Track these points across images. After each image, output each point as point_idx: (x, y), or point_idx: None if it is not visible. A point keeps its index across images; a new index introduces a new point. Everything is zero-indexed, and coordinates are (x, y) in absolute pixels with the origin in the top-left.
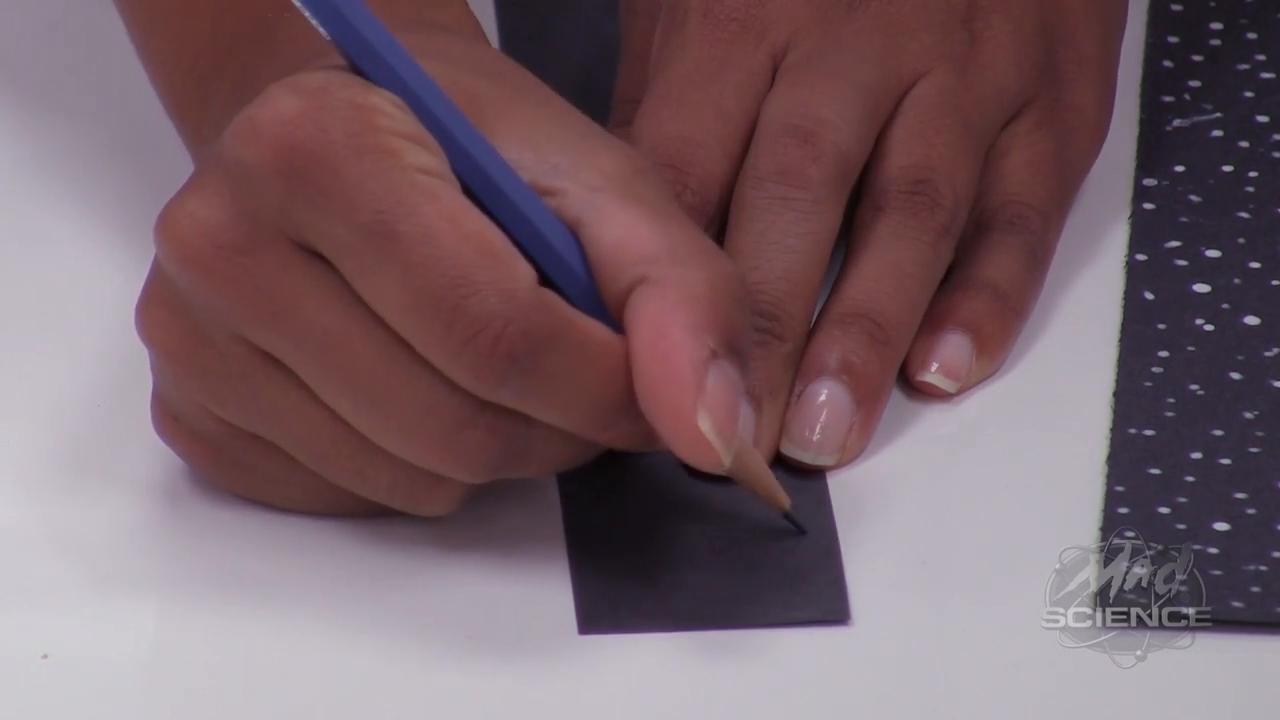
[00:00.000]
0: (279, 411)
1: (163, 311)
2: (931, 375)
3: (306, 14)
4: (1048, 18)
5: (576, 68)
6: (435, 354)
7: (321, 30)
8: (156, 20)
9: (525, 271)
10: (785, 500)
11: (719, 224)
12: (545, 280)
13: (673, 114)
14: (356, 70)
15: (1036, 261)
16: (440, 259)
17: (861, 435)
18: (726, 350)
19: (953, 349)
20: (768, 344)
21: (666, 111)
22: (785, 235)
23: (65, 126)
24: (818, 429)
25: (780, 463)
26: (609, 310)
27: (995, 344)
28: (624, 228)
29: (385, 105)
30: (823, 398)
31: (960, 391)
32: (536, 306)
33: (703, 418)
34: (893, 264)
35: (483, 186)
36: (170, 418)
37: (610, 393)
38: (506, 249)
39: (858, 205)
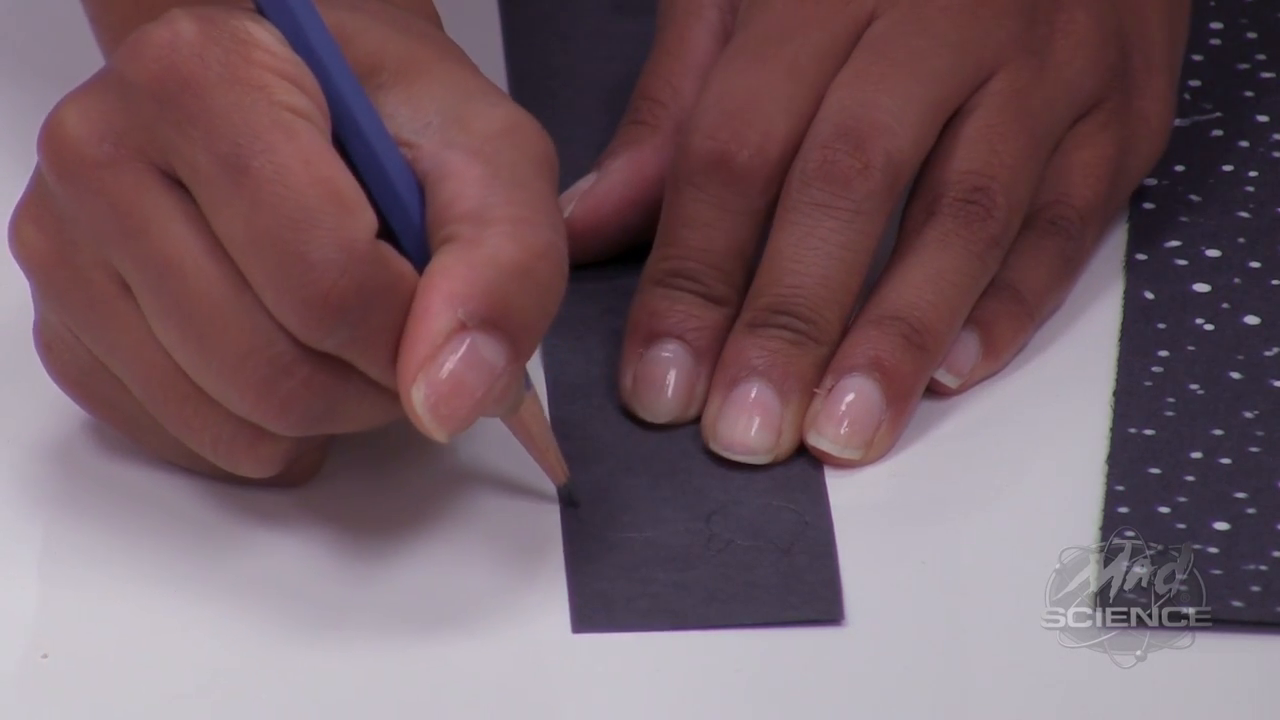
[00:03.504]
0: (122, 346)
1: (33, 226)
2: None
3: None
4: (1125, 20)
5: (580, 67)
6: (268, 293)
7: None
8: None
9: (368, 222)
10: (563, 474)
11: (776, 185)
12: (390, 231)
13: (746, 66)
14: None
15: (1067, 265)
16: (286, 199)
17: (890, 434)
18: (486, 325)
19: (959, 344)
20: (802, 344)
21: (741, 63)
22: (825, 241)
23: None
24: (846, 422)
25: (804, 454)
26: None
27: (1003, 345)
28: (457, 185)
29: (267, 40)
30: (853, 392)
31: (962, 389)
32: (371, 259)
33: (417, 388)
34: (937, 272)
35: (347, 131)
36: (46, 342)
37: None
38: (355, 197)
39: (910, 200)
